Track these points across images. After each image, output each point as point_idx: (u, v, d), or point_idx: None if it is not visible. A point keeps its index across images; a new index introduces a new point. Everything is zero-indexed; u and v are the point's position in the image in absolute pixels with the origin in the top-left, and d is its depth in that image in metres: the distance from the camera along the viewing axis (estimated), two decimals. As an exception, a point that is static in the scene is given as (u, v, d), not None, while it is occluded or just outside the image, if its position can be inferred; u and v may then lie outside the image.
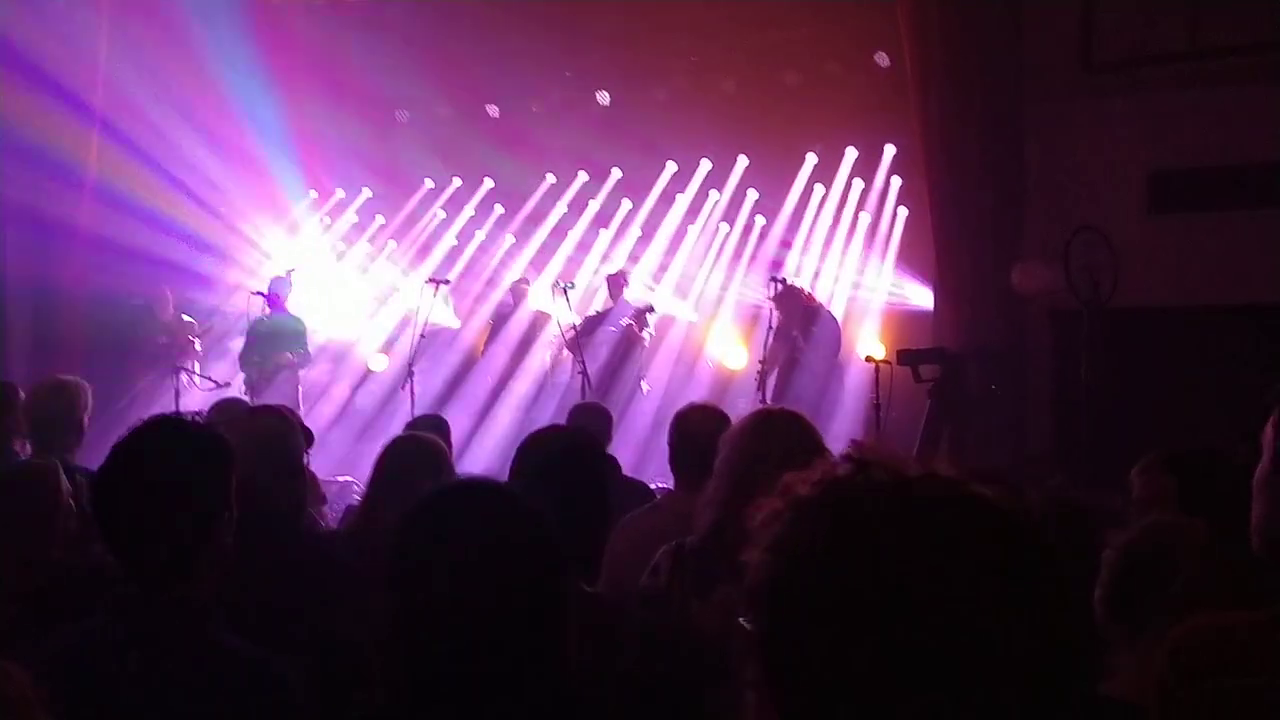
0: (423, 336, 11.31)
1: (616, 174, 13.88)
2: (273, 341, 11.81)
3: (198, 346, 12.47)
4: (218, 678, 2.57)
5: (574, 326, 11.41)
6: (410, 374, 10.96)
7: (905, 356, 9.85)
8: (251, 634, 2.75)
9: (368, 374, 13.69)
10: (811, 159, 12.83)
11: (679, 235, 13.60)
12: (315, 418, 11.43)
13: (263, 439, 4.01)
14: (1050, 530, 2.92)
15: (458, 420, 9.80)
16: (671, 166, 13.53)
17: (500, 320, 13.35)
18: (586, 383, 10.76)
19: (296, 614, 3.43)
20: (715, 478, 3.55)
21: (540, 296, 13.23)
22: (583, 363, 10.86)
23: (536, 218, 14.32)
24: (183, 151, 13.15)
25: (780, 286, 10.79)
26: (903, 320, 12.03)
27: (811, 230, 12.86)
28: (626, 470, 7.11)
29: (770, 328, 10.92)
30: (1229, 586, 2.65)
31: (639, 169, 13.60)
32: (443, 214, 14.84)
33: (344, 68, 13.50)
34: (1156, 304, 9.72)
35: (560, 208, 14.20)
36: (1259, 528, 2.50)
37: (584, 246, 14.05)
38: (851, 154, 12.63)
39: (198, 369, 12.16)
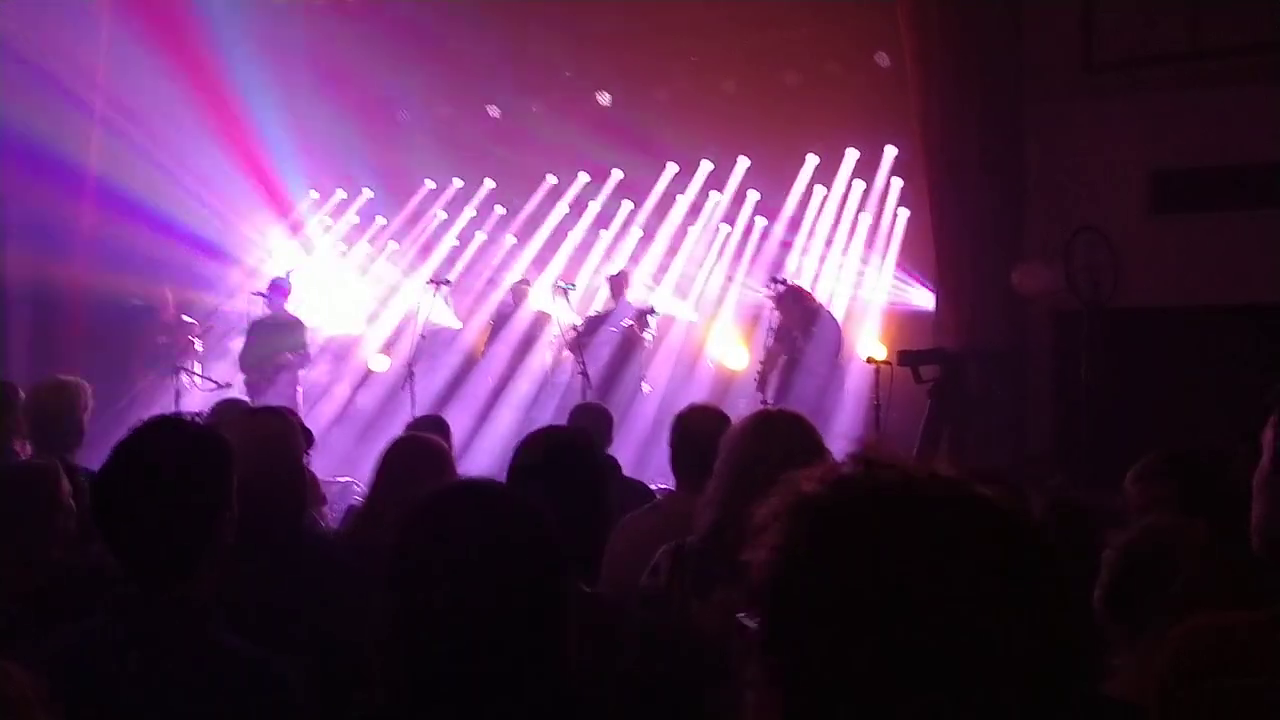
0: (423, 337, 11.31)
1: (617, 175, 13.88)
2: (272, 342, 11.81)
3: (198, 347, 12.46)
4: (218, 678, 2.57)
5: (575, 327, 11.40)
6: (411, 374, 10.95)
7: (906, 357, 9.85)
8: (251, 634, 2.75)
9: (368, 374, 13.68)
10: (812, 160, 12.82)
11: (680, 236, 13.59)
12: (316, 418, 11.43)
13: (263, 439, 4.00)
14: (1050, 530, 2.92)
15: (458, 421, 9.80)
16: (672, 167, 13.54)
17: (501, 321, 13.34)
18: (587, 383, 10.76)
19: (296, 614, 3.43)
20: (715, 478, 3.55)
21: (541, 297, 13.23)
22: (583, 363, 10.86)
23: (537, 218, 14.33)
24: (183, 152, 13.15)
25: (781, 287, 10.79)
26: (903, 321, 12.03)
27: (812, 231, 12.86)
28: (627, 470, 7.12)
29: (770, 329, 10.92)
30: (1229, 586, 2.65)
31: (640, 170, 13.60)
32: (443, 214, 14.84)
33: (345, 68, 13.51)
34: (1157, 304, 9.72)
35: (561, 208, 14.20)
36: (1259, 528, 2.50)
37: (585, 247, 14.05)
38: (852, 155, 12.63)
39: (198, 369, 12.15)
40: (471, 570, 2.09)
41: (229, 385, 11.40)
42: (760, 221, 13.28)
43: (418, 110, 14.50)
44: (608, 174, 13.93)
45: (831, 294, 12.46)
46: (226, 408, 6.60)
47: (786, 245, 12.93)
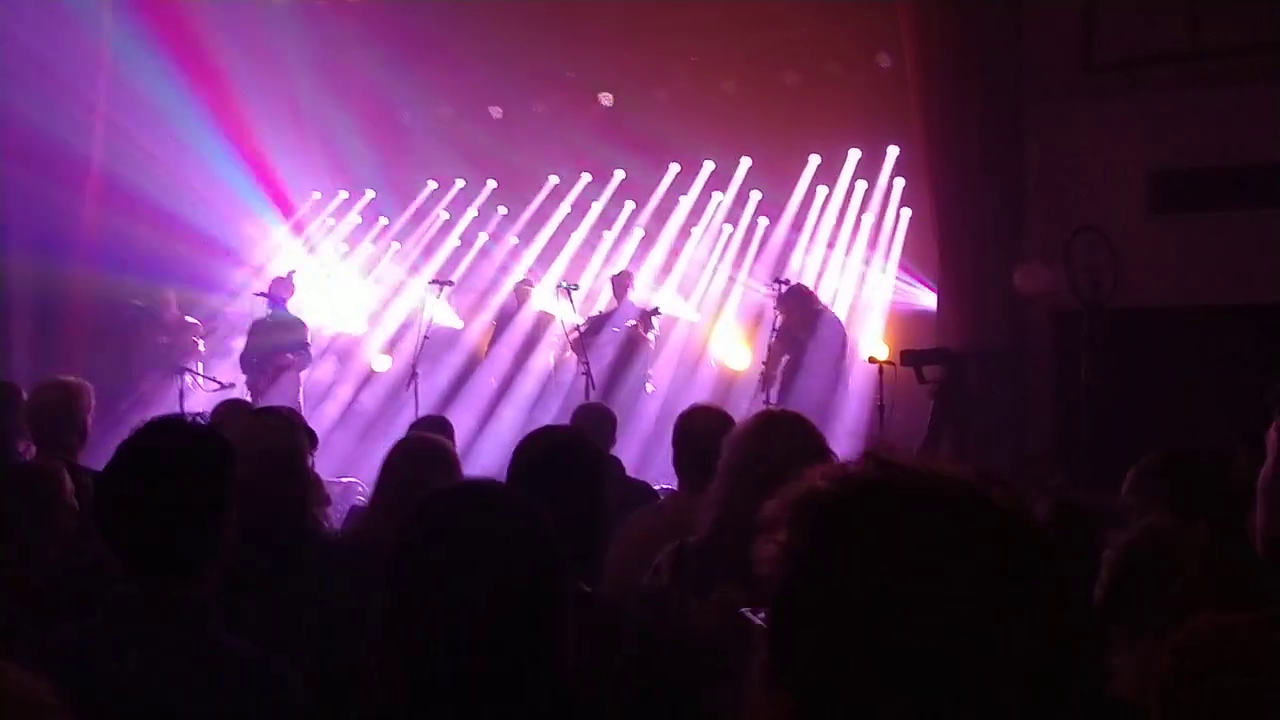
0: (426, 338, 11.31)
1: (620, 175, 13.88)
2: (273, 342, 11.81)
3: (201, 347, 12.47)
4: (217, 677, 2.58)
5: (577, 327, 11.40)
6: (414, 375, 10.95)
7: (909, 357, 9.85)
8: (251, 634, 2.76)
9: (371, 375, 13.68)
10: (815, 160, 12.82)
11: (682, 236, 13.59)
12: (318, 418, 11.43)
13: (265, 440, 4.02)
14: (1050, 530, 2.92)
15: (461, 421, 9.79)
16: (674, 168, 13.53)
17: (504, 321, 13.34)
18: (590, 383, 10.75)
19: (296, 614, 3.44)
20: (718, 478, 3.55)
21: (544, 297, 13.22)
22: (586, 363, 10.85)
23: (540, 219, 14.31)
24: (186, 152, 13.14)
25: (784, 288, 10.77)
26: (907, 321, 12.02)
27: (815, 231, 12.85)
28: (630, 471, 7.12)
29: (773, 329, 10.91)
30: (1229, 587, 2.65)
31: (642, 170, 13.59)
32: (446, 215, 14.84)
33: (347, 69, 13.50)
34: (1157, 304, 9.73)
35: (563, 209, 14.19)
36: (1264, 531, 2.49)
37: (588, 247, 14.05)
38: (855, 155, 12.62)
39: (201, 370, 12.15)
40: (469, 570, 2.09)
41: (232, 385, 11.40)
42: (763, 221, 13.28)
43: (420, 111, 14.49)
44: (610, 174, 13.92)
45: (835, 294, 12.44)
46: (229, 408, 6.61)
47: (789, 246, 12.92)
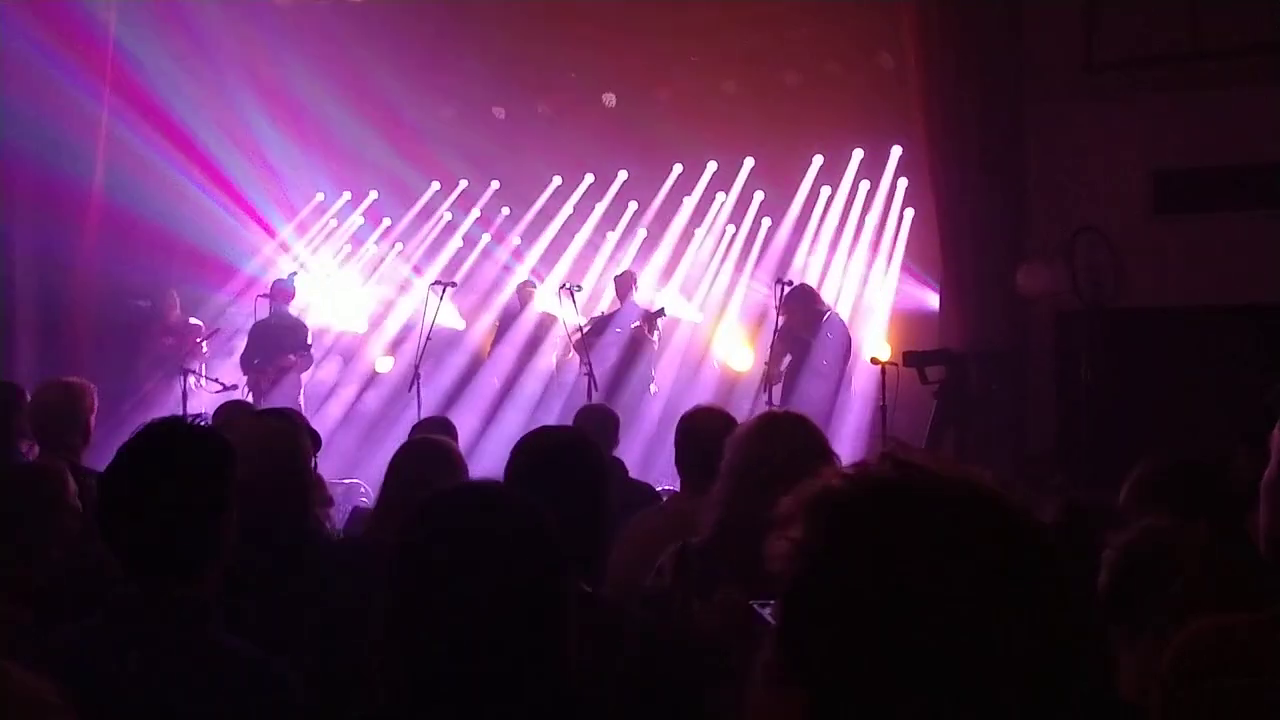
0: (429, 339, 11.31)
1: (623, 176, 13.88)
2: (274, 343, 11.82)
3: (204, 349, 12.48)
4: (217, 678, 2.59)
5: (580, 328, 11.39)
6: (417, 376, 10.95)
7: (911, 358, 9.83)
8: (252, 634, 2.76)
9: (374, 375, 13.69)
10: (818, 160, 12.82)
11: (685, 236, 13.59)
12: (321, 419, 11.43)
13: (266, 440, 4.02)
14: (1050, 530, 2.93)
15: (464, 422, 9.79)
16: (677, 168, 13.54)
17: (507, 322, 13.35)
18: (592, 384, 10.75)
19: (297, 615, 3.44)
20: (720, 479, 3.56)
21: (547, 298, 13.23)
22: (589, 364, 10.85)
23: (543, 219, 14.32)
24: (189, 154, 13.16)
25: (788, 289, 10.73)
26: (910, 321, 12.01)
27: (818, 232, 12.85)
28: (633, 471, 7.12)
29: (776, 329, 10.88)
30: (1229, 587, 2.65)
31: (645, 170, 13.60)
32: (449, 215, 14.85)
33: (350, 70, 13.50)
34: (1157, 304, 9.72)
35: (566, 209, 14.19)
36: (1267, 531, 2.49)
37: (591, 248, 14.05)
38: (858, 155, 12.62)
39: (204, 371, 12.16)
40: (472, 570, 2.09)
41: (235, 387, 11.40)
42: (766, 222, 13.28)
43: (423, 111, 14.49)
44: (613, 175, 13.93)
45: (838, 294, 12.44)
46: (231, 409, 6.63)
47: (793, 246, 12.91)
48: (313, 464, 4.28)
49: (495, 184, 14.58)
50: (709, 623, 3.26)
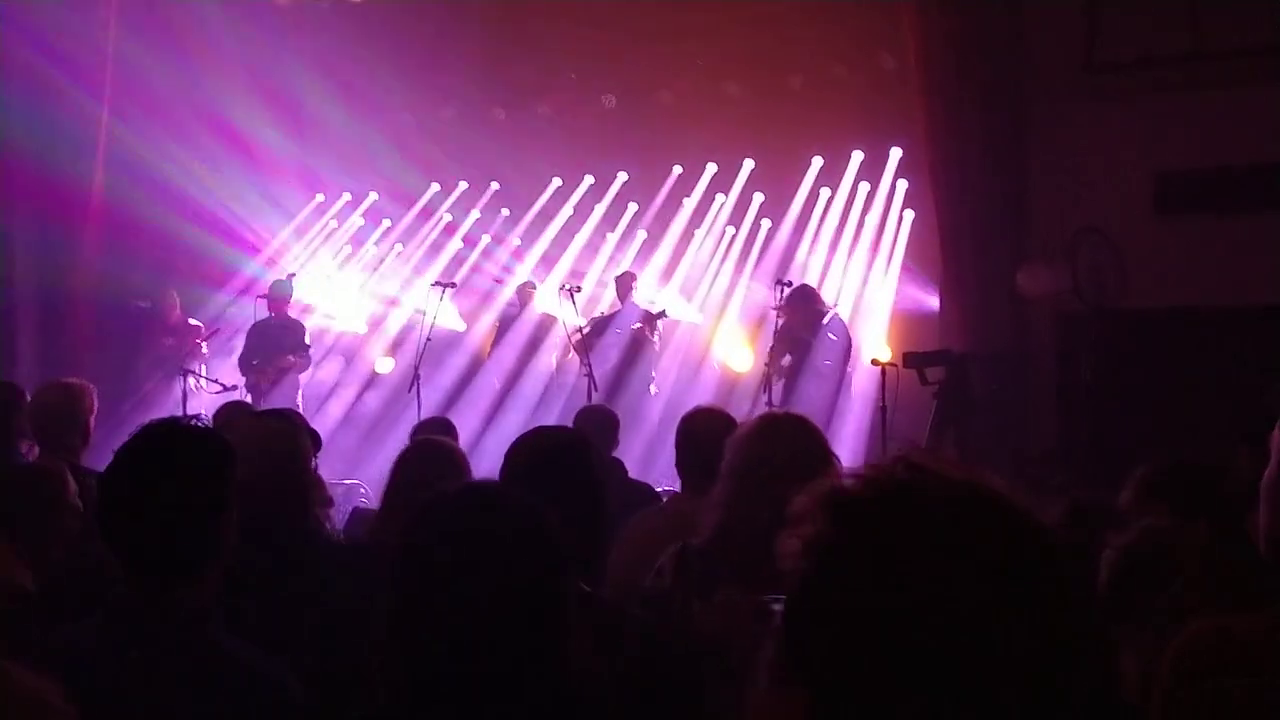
0: (429, 339, 11.31)
1: (623, 177, 13.88)
2: (273, 344, 11.82)
3: (204, 349, 12.48)
4: (217, 679, 2.58)
5: (580, 329, 11.39)
6: (417, 377, 10.95)
7: (911, 359, 9.83)
8: (252, 635, 2.76)
9: (374, 376, 13.68)
10: (818, 162, 12.81)
11: (685, 238, 13.58)
12: (321, 420, 11.43)
13: (266, 441, 4.02)
14: (1053, 531, 2.92)
15: (464, 423, 9.79)
16: (677, 169, 13.54)
17: (506, 323, 13.34)
18: (592, 385, 10.75)
19: (297, 615, 3.44)
20: (720, 480, 3.55)
21: (547, 299, 13.22)
22: (589, 365, 10.85)
23: (543, 220, 14.31)
24: (189, 154, 13.15)
25: (788, 290, 10.72)
26: (910, 322, 12.00)
27: (818, 233, 12.84)
28: (633, 472, 7.12)
29: (776, 330, 10.88)
30: (1229, 587, 2.65)
31: (645, 172, 13.60)
32: (449, 216, 14.84)
33: (350, 70, 13.51)
34: (1158, 305, 9.72)
35: (566, 210, 14.19)
36: (1267, 533, 2.49)
37: (590, 249, 14.04)
38: (858, 157, 12.61)
39: (204, 372, 12.16)
40: (473, 571, 2.09)
41: (235, 388, 11.41)
42: (766, 223, 13.28)
43: (423, 112, 14.49)
44: (613, 176, 13.92)
45: (839, 296, 12.43)
46: (231, 410, 6.63)
47: (792, 247, 12.90)
48: (313, 464, 4.28)
49: (495, 185, 14.57)
50: (709, 623, 3.25)
